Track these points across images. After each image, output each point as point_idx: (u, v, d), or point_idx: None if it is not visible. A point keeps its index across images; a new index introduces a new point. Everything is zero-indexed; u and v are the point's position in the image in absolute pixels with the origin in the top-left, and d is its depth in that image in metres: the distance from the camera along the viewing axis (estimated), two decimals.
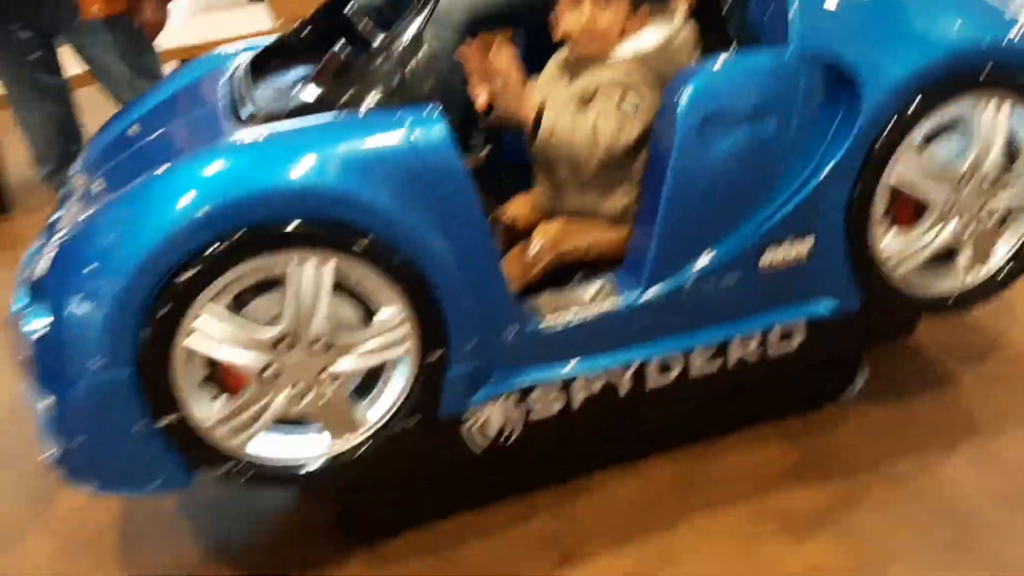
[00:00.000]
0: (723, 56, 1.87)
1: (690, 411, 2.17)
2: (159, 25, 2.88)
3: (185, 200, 1.62)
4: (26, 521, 2.21)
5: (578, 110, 1.88)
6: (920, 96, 1.88)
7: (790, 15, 1.83)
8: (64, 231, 1.83)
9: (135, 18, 2.82)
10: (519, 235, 2.09)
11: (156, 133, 2.09)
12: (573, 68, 1.96)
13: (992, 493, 1.99)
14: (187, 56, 4.47)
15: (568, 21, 1.90)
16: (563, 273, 2.02)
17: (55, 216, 2.06)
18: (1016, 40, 1.93)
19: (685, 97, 1.81)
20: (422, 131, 1.70)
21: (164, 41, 3.02)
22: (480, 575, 1.94)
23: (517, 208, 2.16)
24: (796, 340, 2.06)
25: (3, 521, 2.22)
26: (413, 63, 1.78)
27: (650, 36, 1.90)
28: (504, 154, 2.16)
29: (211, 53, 2.48)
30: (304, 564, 2.00)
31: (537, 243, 1.99)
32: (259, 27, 4.16)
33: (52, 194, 2.74)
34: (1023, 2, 2.02)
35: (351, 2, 2.33)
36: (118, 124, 2.27)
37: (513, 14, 2.20)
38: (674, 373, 2.01)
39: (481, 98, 1.90)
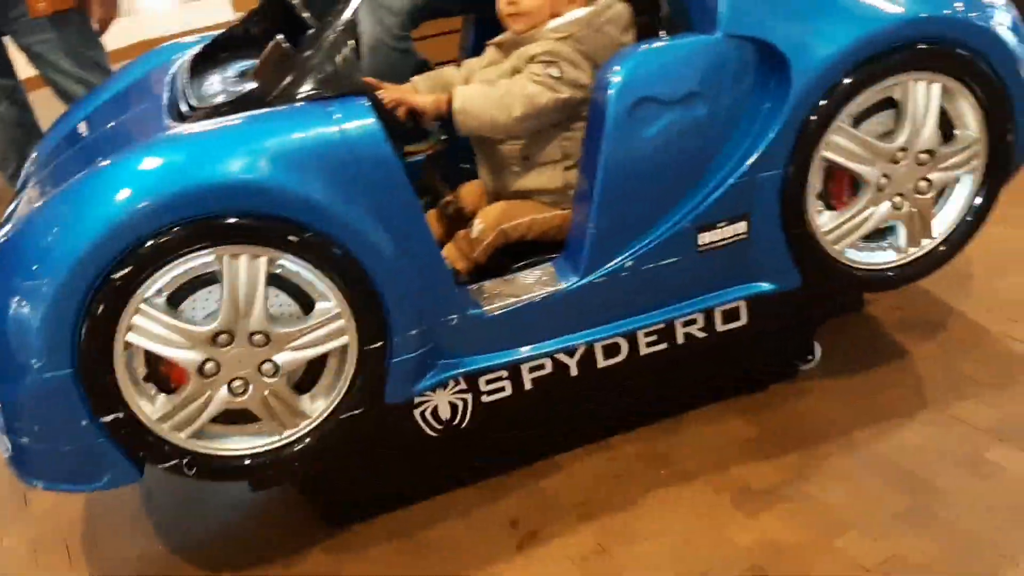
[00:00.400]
0: (654, 40, 1.89)
1: (651, 388, 2.19)
2: (109, 19, 2.89)
3: (119, 197, 1.64)
4: (5, 517, 2.25)
5: (504, 80, 1.92)
6: (849, 75, 1.89)
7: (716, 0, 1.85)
8: (4, 229, 1.85)
9: (86, 13, 2.83)
10: (467, 221, 2.12)
11: (100, 129, 2.12)
12: (508, 48, 2.00)
13: (951, 458, 2.01)
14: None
15: (500, 1, 1.94)
16: (509, 260, 2.05)
17: (6, 214, 2.08)
18: (949, 15, 1.95)
19: (615, 80, 1.83)
20: (353, 122, 1.71)
21: (128, 35, 3.04)
22: (446, 556, 1.97)
23: (466, 194, 2.20)
24: (742, 318, 2.09)
25: None
26: (345, 52, 1.80)
27: (577, 12, 1.94)
28: (461, 140, 2.18)
29: (161, 47, 2.51)
30: (271, 549, 2.03)
31: (480, 222, 2.01)
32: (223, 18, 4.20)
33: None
34: None
35: None
36: (68, 121, 2.30)
37: (455, 1, 2.22)
38: (623, 354, 2.04)
39: (399, 111, 1.95)
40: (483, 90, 1.91)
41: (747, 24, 1.86)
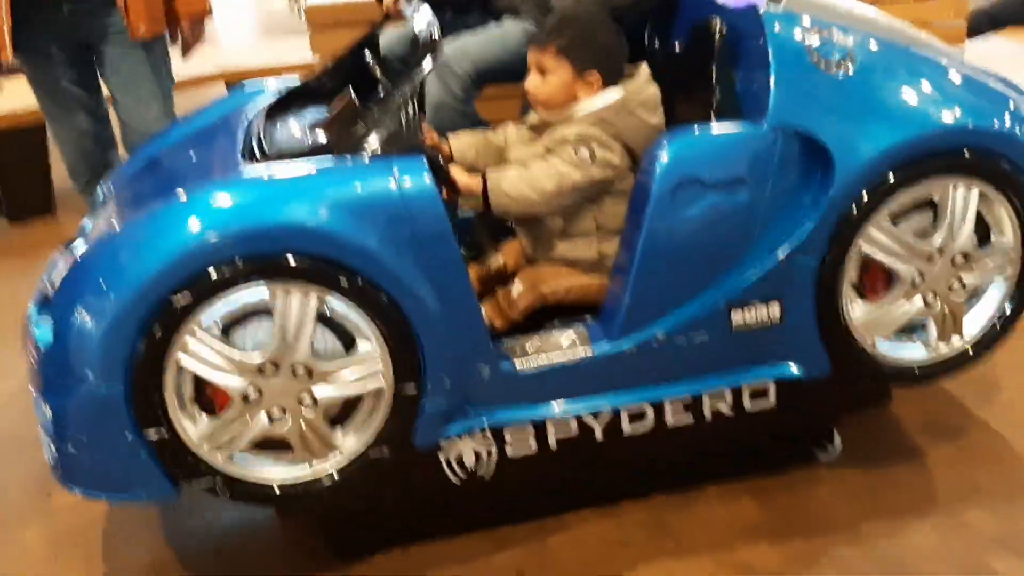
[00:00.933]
0: (704, 124, 1.98)
1: (668, 459, 2.23)
2: (195, 44, 2.98)
3: (190, 228, 1.76)
4: (29, 509, 2.35)
5: (537, 161, 2.02)
6: (892, 173, 1.96)
7: (770, 90, 1.93)
8: (80, 246, 1.97)
9: (174, 37, 2.96)
10: (508, 279, 2.20)
11: (180, 160, 2.25)
12: (540, 129, 2.10)
13: (955, 563, 2.02)
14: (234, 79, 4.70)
15: (526, 85, 2.09)
16: (544, 318, 2.13)
17: (81, 227, 2.21)
18: (996, 128, 2.01)
19: (663, 158, 1.91)
20: (410, 180, 1.82)
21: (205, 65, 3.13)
22: None
23: (508, 252, 2.28)
24: (769, 400, 2.14)
25: (8, 509, 2.36)
26: (410, 113, 1.91)
27: (609, 96, 2.03)
28: None
29: (243, 87, 2.66)
30: (280, 571, 2.10)
31: (519, 284, 2.10)
32: (303, 58, 4.35)
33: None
34: None
35: (378, 45, 2.49)
36: (152, 146, 2.44)
37: (518, 68, 2.33)
38: (648, 422, 2.09)
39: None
40: (516, 171, 2.01)
41: (795, 117, 1.94)
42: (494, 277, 2.27)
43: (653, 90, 2.09)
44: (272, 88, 2.49)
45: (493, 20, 2.49)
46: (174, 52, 3.00)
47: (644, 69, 2.10)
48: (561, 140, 2.03)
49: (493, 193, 1.99)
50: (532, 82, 2.10)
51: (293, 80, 2.54)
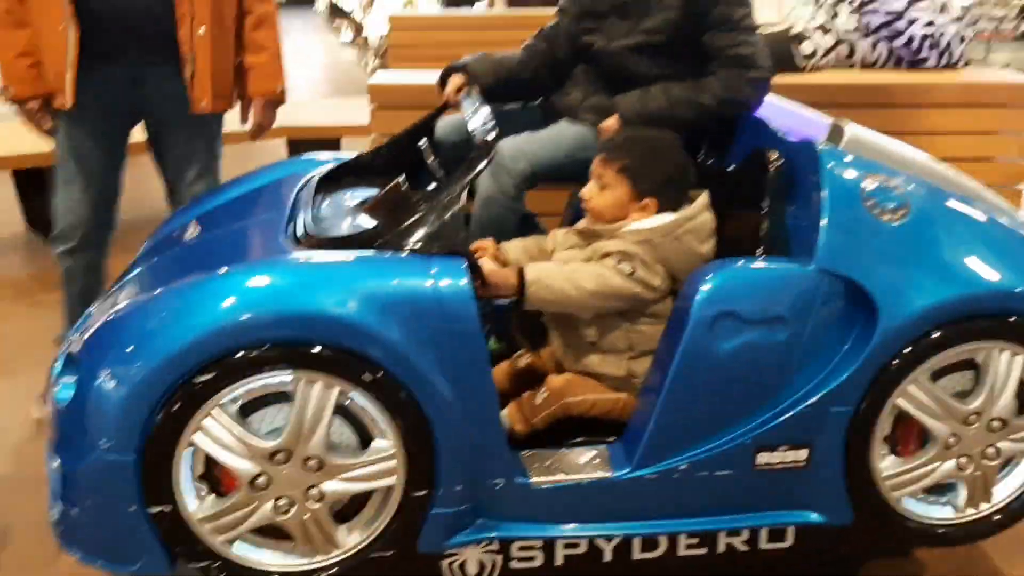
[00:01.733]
0: (750, 258, 1.95)
1: None
2: (267, 127, 2.95)
3: (223, 306, 1.76)
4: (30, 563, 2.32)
5: (577, 263, 2.02)
6: (936, 331, 1.92)
7: (820, 232, 1.91)
8: (112, 306, 1.98)
9: (244, 117, 2.94)
10: (537, 381, 2.17)
11: (221, 229, 2.26)
12: (587, 236, 2.09)
13: None
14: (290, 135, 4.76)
15: (582, 192, 2.09)
16: (566, 428, 2.09)
17: (117, 283, 2.21)
18: None
19: (704, 288, 1.88)
20: (447, 281, 1.80)
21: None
22: None
23: (536, 358, 2.26)
24: (787, 542, 2.07)
25: (10, 558, 2.33)
26: (454, 212, 1.90)
27: (660, 219, 2.03)
28: None
29: (295, 159, 2.69)
30: None
31: (544, 391, 2.07)
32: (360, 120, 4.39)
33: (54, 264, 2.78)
34: None
35: (434, 131, 2.51)
36: (192, 209, 2.46)
37: (571, 171, 2.33)
38: (660, 550, 2.03)
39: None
40: (555, 265, 2.01)
41: (843, 263, 1.91)
42: (523, 376, 2.24)
43: (707, 217, 2.07)
44: (327, 160, 2.52)
45: (551, 121, 2.50)
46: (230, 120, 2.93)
47: (704, 197, 2.08)
48: (604, 253, 2.02)
49: (531, 284, 1.95)
50: (590, 191, 2.10)
51: (349, 155, 2.57)
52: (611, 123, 2.35)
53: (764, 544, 2.07)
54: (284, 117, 4.97)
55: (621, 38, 2.39)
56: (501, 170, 2.26)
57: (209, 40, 2.66)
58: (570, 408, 2.08)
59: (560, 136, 2.41)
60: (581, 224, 2.16)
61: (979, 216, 2.05)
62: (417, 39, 5.42)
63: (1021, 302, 1.96)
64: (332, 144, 5.01)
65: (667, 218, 2.04)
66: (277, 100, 2.92)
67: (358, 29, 11.01)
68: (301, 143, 5.04)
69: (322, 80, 10.29)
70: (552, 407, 2.07)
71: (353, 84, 9.58)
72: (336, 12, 12.87)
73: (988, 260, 1.98)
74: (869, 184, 1.95)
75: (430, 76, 3.19)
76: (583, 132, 2.41)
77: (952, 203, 2.04)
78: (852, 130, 2.04)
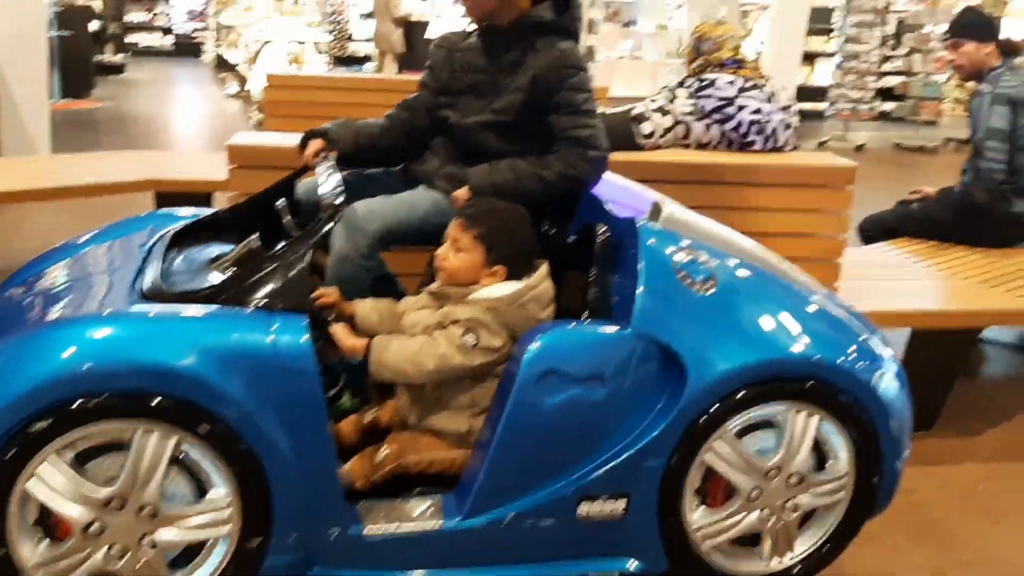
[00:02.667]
0: (575, 321, 2.12)
1: None
2: None
3: (63, 355, 1.81)
4: None
5: (423, 335, 2.13)
6: (739, 392, 2.11)
7: (636, 299, 2.09)
8: None
9: None
10: (381, 435, 2.26)
11: (71, 281, 2.29)
12: (439, 298, 2.21)
13: None
14: None
15: (437, 253, 2.21)
16: (408, 481, 2.19)
17: None
18: (841, 363, 2.18)
19: (532, 350, 2.03)
20: (287, 338, 1.90)
21: None
22: None
23: (386, 410, 2.35)
24: None
25: None
26: (300, 269, 2.01)
27: (507, 287, 2.16)
28: None
29: (153, 213, 2.74)
30: None
31: (385, 449, 2.17)
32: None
33: None
34: None
35: (292, 191, 2.61)
36: (45, 260, 2.48)
37: (424, 234, 2.46)
38: None
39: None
40: (400, 344, 2.11)
41: (656, 327, 2.09)
42: (367, 431, 2.33)
43: (547, 286, 2.21)
44: (184, 216, 2.59)
45: (410, 186, 2.63)
46: None
47: (545, 267, 2.22)
48: (452, 320, 2.13)
49: (373, 362, 2.08)
50: (444, 253, 2.21)
51: (206, 211, 2.64)
52: (462, 193, 2.50)
53: None
54: (154, 169, 5.01)
55: (474, 115, 2.55)
56: (355, 230, 2.36)
57: None
58: (408, 467, 2.17)
59: (416, 200, 2.54)
60: (434, 286, 2.29)
61: (781, 289, 2.28)
62: (296, 98, 5.50)
63: (817, 368, 2.17)
64: (202, 198, 5.01)
65: (513, 287, 2.17)
66: None
67: (243, 82, 11.03)
68: (170, 196, 5.02)
69: (204, 132, 10.24)
70: (391, 465, 2.16)
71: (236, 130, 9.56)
72: (222, 64, 12.85)
73: (788, 329, 2.20)
74: (681, 258, 2.15)
75: (288, 138, 3.32)
76: (438, 198, 2.55)
77: (757, 277, 2.26)
78: (669, 209, 2.24)
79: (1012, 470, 3.19)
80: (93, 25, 12.70)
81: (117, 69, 14.47)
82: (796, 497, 2.21)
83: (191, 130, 10.32)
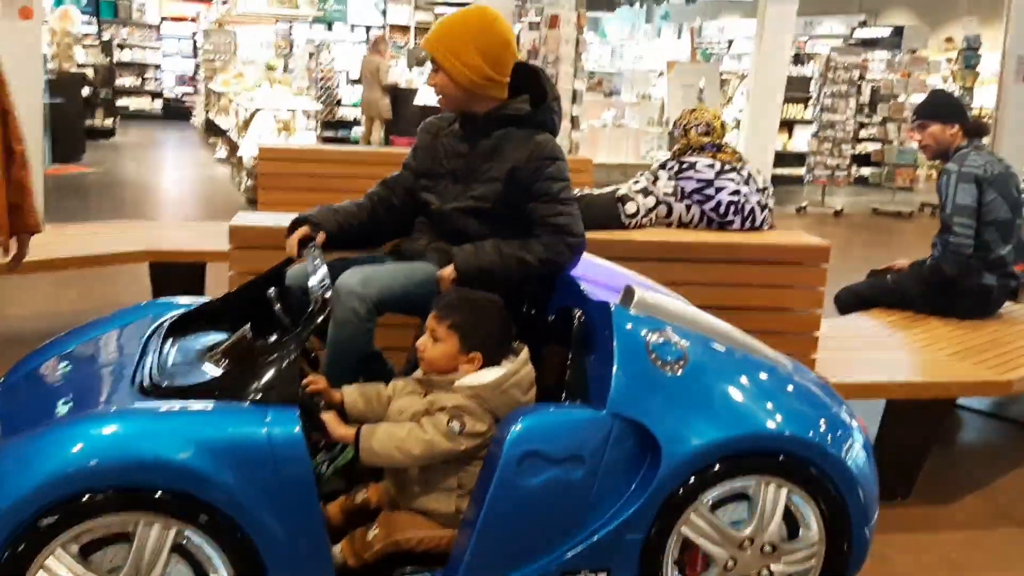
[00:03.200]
0: (552, 404, 2.23)
1: None
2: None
3: (71, 452, 1.92)
4: None
5: (411, 422, 2.24)
6: (712, 467, 2.22)
7: (612, 380, 2.21)
8: None
9: (6, 249, 3.12)
10: (371, 515, 2.36)
11: (73, 375, 2.40)
12: (425, 385, 2.33)
13: None
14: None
15: (417, 343, 2.33)
16: (398, 560, 2.28)
17: None
18: (809, 437, 2.29)
19: (512, 433, 2.15)
20: (279, 429, 2.01)
21: None
22: None
23: (374, 492, 2.45)
24: None
25: None
26: (291, 361, 2.12)
27: (489, 374, 2.27)
28: None
29: (153, 301, 2.86)
30: None
31: (375, 529, 2.26)
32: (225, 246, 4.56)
33: None
34: None
35: (283, 278, 2.72)
36: (45, 352, 2.59)
37: (419, 301, 2.57)
38: None
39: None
40: (387, 430, 2.22)
41: (631, 408, 2.21)
42: (357, 512, 2.43)
43: (528, 370, 2.32)
44: (181, 304, 2.71)
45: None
46: None
47: (525, 353, 2.34)
48: (439, 408, 2.24)
49: (363, 450, 2.19)
50: (423, 342, 2.33)
51: (202, 299, 2.76)
52: (448, 272, 2.62)
53: None
54: (148, 240, 5.14)
55: (452, 200, 2.68)
56: (352, 296, 2.45)
57: None
58: (399, 545, 2.26)
59: (411, 269, 2.65)
60: (419, 373, 2.40)
61: (750, 364, 2.40)
62: (287, 169, 5.65)
63: (787, 443, 2.29)
64: (196, 268, 5.13)
65: (496, 373, 2.28)
66: (37, 231, 3.23)
67: (233, 148, 11.22)
68: (164, 267, 5.15)
69: (193, 197, 10.40)
70: (382, 543, 2.25)
71: (225, 202, 9.70)
72: (212, 129, 13.05)
73: (758, 405, 2.32)
74: (653, 339, 2.28)
75: (286, 218, 3.44)
76: (431, 269, 2.67)
77: (727, 355, 2.39)
78: (641, 293, 2.37)
79: (988, 537, 3.27)
80: (84, 91, 12.93)
81: (107, 133, 14.66)
82: (770, 565, 2.31)
83: (182, 195, 10.46)
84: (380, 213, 2.83)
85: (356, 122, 13.41)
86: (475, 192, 2.64)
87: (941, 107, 4.31)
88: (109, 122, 14.75)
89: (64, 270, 5.39)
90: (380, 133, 11.71)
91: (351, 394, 2.38)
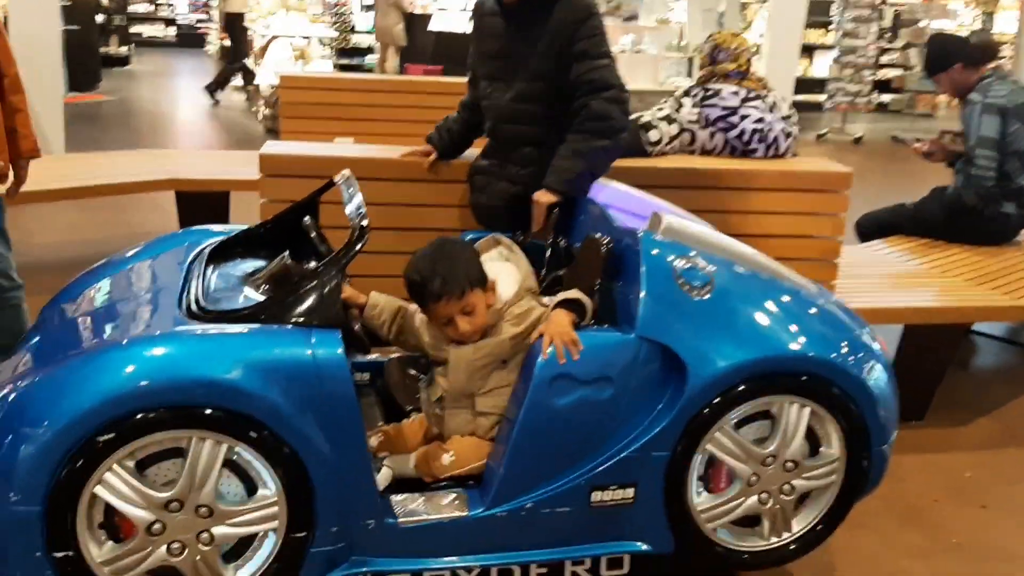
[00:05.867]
0: (581, 328, 2.30)
1: None
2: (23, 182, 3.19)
3: (124, 373, 2.01)
4: None
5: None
6: (737, 387, 2.30)
7: (640, 305, 2.27)
8: (15, 371, 2.19)
9: (4, 176, 3.08)
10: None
11: (120, 300, 2.48)
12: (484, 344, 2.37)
13: None
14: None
15: (460, 333, 2.34)
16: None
17: (19, 348, 2.40)
18: (832, 359, 2.36)
19: (544, 355, 2.22)
20: (324, 351, 2.10)
21: None
22: None
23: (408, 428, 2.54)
24: (624, 569, 2.42)
25: None
26: (331, 287, 2.20)
27: (505, 285, 2.38)
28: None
29: (188, 229, 2.93)
30: None
31: (452, 455, 2.37)
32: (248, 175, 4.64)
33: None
34: None
35: (317, 207, 2.79)
36: (92, 276, 2.67)
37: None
38: None
39: None
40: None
41: (658, 331, 2.28)
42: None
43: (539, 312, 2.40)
44: (218, 232, 2.78)
45: None
46: None
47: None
48: (514, 335, 2.34)
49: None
50: (461, 328, 2.31)
51: (238, 227, 2.83)
52: (545, 197, 2.73)
53: (604, 572, 2.41)
54: (173, 168, 5.19)
55: (505, 92, 2.86)
56: None
57: None
58: (471, 471, 2.37)
59: None
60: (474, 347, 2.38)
61: (775, 288, 2.46)
62: (307, 98, 5.67)
63: (811, 364, 2.36)
64: (221, 197, 5.20)
65: (506, 281, 2.39)
66: (35, 157, 3.21)
67: (249, 75, 11.17)
68: (189, 196, 5.22)
69: (211, 126, 10.40)
70: (456, 471, 2.36)
71: (243, 131, 9.71)
72: (226, 55, 12.95)
73: (783, 327, 2.38)
74: (680, 265, 2.33)
75: (315, 148, 3.50)
76: None
77: (752, 279, 2.45)
78: (668, 219, 2.42)
79: (999, 458, 3.37)
80: (99, 18, 12.84)
81: (122, 61, 14.61)
82: (792, 480, 2.41)
83: (200, 124, 10.47)
84: (473, 120, 3.12)
85: (370, 49, 13.30)
86: (525, 76, 2.79)
87: (938, 58, 4.36)
88: (124, 50, 14.69)
89: (89, 199, 5.46)
90: (395, 60, 11.62)
91: (378, 298, 2.49)
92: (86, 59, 11.82)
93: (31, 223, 5.92)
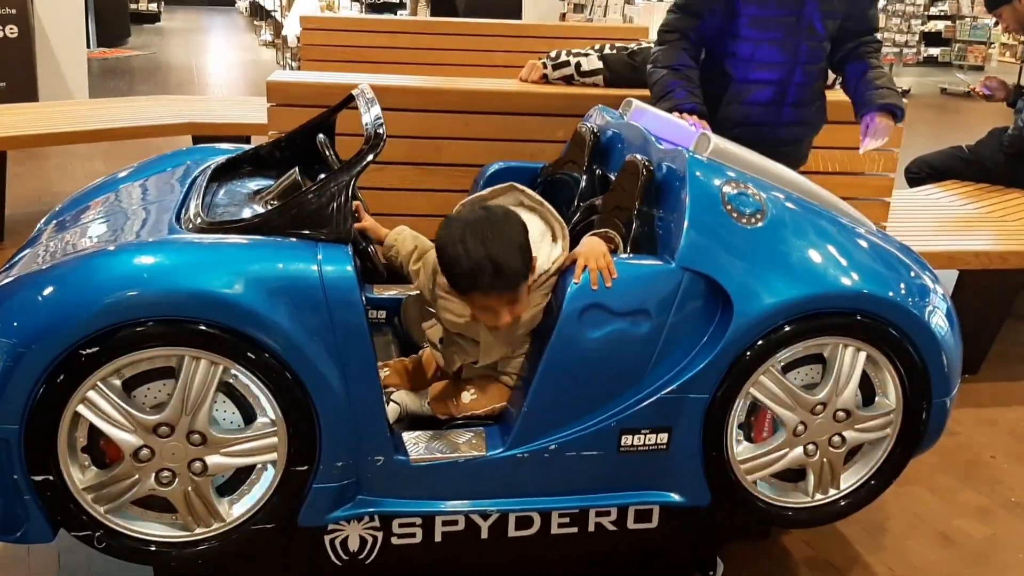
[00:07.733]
0: (619, 256, 2.09)
1: (549, 562, 2.28)
2: None
3: (109, 283, 1.82)
4: None
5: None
6: (786, 326, 2.08)
7: (683, 233, 2.06)
8: (4, 280, 2.01)
9: None
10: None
11: (116, 212, 2.30)
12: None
13: None
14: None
15: (504, 324, 2.07)
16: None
17: (9, 262, 2.23)
18: (890, 297, 2.14)
19: (574, 285, 2.01)
20: (332, 267, 1.90)
21: None
22: None
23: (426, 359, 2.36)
24: (653, 521, 2.22)
25: None
26: (341, 201, 1.99)
27: (544, 254, 2.12)
28: None
29: (197, 147, 2.75)
30: None
31: (473, 394, 2.18)
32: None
33: None
34: None
35: (332, 127, 2.60)
36: (95, 190, 2.50)
37: None
38: (534, 528, 2.16)
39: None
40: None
41: (702, 261, 2.06)
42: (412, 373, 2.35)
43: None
44: (225, 150, 2.59)
45: None
46: None
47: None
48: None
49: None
50: (503, 319, 2.05)
51: (247, 146, 2.64)
52: (886, 121, 2.67)
53: (632, 524, 2.22)
54: (191, 113, 5.04)
55: None
56: None
57: None
58: (490, 413, 2.19)
59: None
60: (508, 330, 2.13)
61: (830, 223, 2.23)
62: (329, 40, 5.49)
63: (866, 302, 2.13)
64: (239, 142, 5.03)
65: (545, 251, 2.13)
66: None
67: (277, 29, 10.99)
68: (207, 140, 5.07)
69: (239, 79, 10.25)
70: (478, 410, 2.18)
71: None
72: (257, 12, 12.79)
73: (837, 263, 2.16)
74: (729, 190, 2.11)
75: (326, 76, 3.29)
76: None
77: (805, 211, 2.22)
78: (716, 141, 2.20)
79: None
80: None
81: (152, 18, 14.49)
82: (842, 432, 2.19)
83: (229, 78, 10.33)
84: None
85: (402, 4, 13.05)
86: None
87: None
88: (154, 6, 14.56)
89: (108, 141, 5.35)
90: (426, 13, 11.38)
91: (398, 231, 2.30)
92: (115, 15, 11.70)
93: (53, 173, 5.82)
